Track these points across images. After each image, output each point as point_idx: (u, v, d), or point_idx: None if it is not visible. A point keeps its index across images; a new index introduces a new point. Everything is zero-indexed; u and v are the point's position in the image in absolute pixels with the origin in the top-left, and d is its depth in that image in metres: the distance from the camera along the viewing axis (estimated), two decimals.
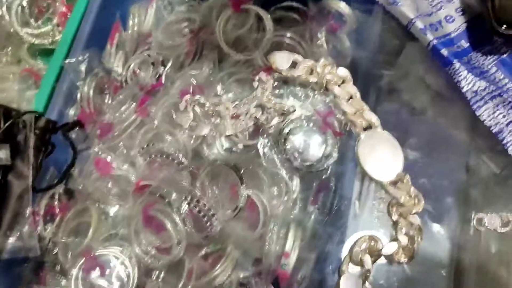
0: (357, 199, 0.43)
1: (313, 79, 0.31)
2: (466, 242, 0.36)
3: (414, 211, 0.26)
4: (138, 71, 0.51)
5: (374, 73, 0.47)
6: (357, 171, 0.44)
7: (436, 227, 0.35)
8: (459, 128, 0.37)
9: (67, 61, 0.48)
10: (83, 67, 0.48)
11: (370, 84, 0.47)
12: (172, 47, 0.51)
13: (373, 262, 0.26)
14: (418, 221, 0.25)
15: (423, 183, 0.34)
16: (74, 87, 0.48)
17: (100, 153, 0.42)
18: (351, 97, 0.30)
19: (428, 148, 0.37)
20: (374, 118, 0.28)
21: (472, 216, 0.35)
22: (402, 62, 0.42)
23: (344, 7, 0.49)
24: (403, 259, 0.26)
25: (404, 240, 0.25)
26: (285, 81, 0.50)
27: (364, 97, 0.46)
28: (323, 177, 0.43)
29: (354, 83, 0.46)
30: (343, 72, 0.31)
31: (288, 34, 0.50)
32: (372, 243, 0.26)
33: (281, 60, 0.31)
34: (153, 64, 0.50)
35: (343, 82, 0.31)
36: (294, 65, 0.33)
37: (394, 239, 0.26)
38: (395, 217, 0.26)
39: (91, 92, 0.47)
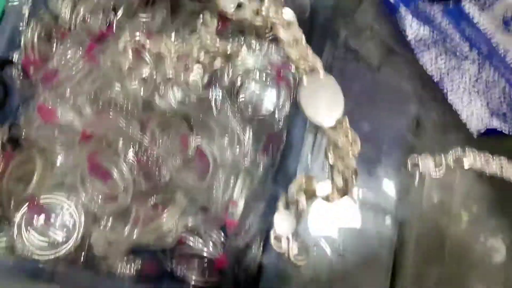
0: (309, 152, 0.44)
1: (258, 21, 0.30)
2: (408, 190, 0.37)
3: (351, 154, 0.26)
4: (87, 17, 0.49)
5: (330, 29, 0.46)
6: (309, 124, 0.44)
7: (377, 172, 0.36)
8: (403, 79, 0.38)
9: (9, 4, 0.46)
10: (26, 11, 0.45)
11: (326, 38, 0.46)
12: None
13: (308, 201, 0.27)
14: (354, 164, 0.26)
15: (364, 126, 0.35)
16: (17, 31, 0.46)
17: (43, 99, 0.41)
18: (295, 40, 0.30)
19: (372, 96, 0.38)
20: (318, 62, 0.28)
21: (409, 158, 0.36)
22: (357, 18, 0.42)
23: None
24: (338, 198, 0.26)
25: (339, 181, 0.25)
26: (240, 31, 0.49)
27: (319, 52, 0.46)
28: (275, 129, 0.44)
29: (310, 39, 0.45)
30: (289, 14, 0.30)
31: None
32: (309, 183, 0.26)
33: (226, 1, 0.30)
34: (103, 10, 0.48)
35: (288, 25, 0.30)
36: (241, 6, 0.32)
37: (330, 180, 0.26)
38: (332, 161, 0.27)
39: (35, 37, 0.45)
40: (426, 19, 0.34)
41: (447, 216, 0.41)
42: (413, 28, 0.34)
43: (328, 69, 0.44)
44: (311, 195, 0.26)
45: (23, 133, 0.41)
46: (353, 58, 0.44)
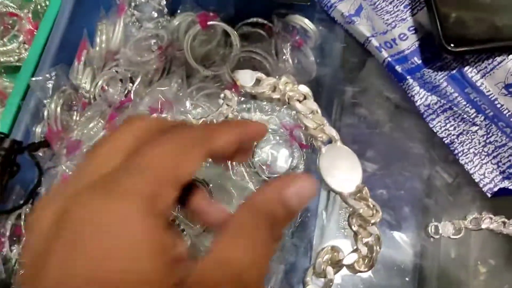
0: (324, 210, 0.45)
1: (275, 95, 0.32)
2: (426, 248, 0.38)
3: (372, 221, 0.27)
4: (106, 87, 0.51)
5: (337, 88, 0.48)
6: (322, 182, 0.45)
7: (396, 236, 0.37)
8: (414, 141, 0.39)
9: (33, 78, 0.48)
10: (50, 84, 0.48)
11: (333, 98, 0.49)
12: (140, 63, 0.51)
13: (335, 272, 0.27)
14: (376, 231, 0.27)
15: (381, 194, 0.36)
16: (41, 104, 0.48)
17: (67, 170, 0.42)
18: (312, 112, 0.31)
19: (386, 160, 0.39)
20: (334, 133, 0.30)
21: (429, 224, 0.37)
22: (362, 77, 0.44)
23: (308, 23, 0.51)
24: (363, 268, 0.27)
25: (363, 249, 0.26)
26: (252, 96, 0.51)
27: (328, 111, 0.48)
28: None
29: (319, 98, 0.47)
30: (304, 89, 0.32)
31: (255, 50, 0.51)
32: (334, 254, 0.27)
33: (245, 77, 0.32)
34: (121, 80, 0.50)
35: (304, 98, 0.32)
36: (258, 82, 0.35)
37: (355, 249, 0.27)
38: (355, 228, 0.28)
39: (58, 109, 0.47)
40: (432, 88, 0.36)
41: (465, 270, 0.42)
42: (420, 95, 0.35)
43: (337, 127, 0.46)
44: (336, 264, 0.27)
45: None
46: (361, 117, 0.46)
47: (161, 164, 0.18)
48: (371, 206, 0.27)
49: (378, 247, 0.26)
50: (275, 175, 0.46)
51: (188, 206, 0.21)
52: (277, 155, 0.47)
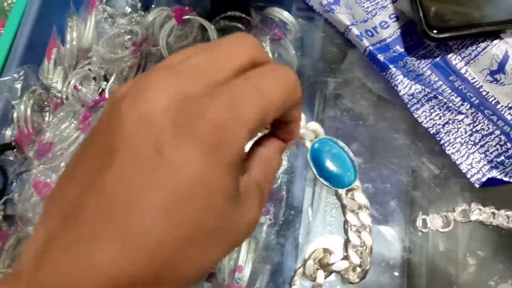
0: (309, 207, 0.43)
1: None
2: (414, 242, 0.37)
3: (362, 218, 0.25)
4: (79, 87, 0.49)
5: (319, 80, 0.47)
6: (307, 178, 0.44)
7: (384, 230, 0.35)
8: (399, 132, 0.38)
9: (1, 79, 0.46)
10: (18, 85, 0.45)
11: (315, 90, 0.47)
12: (114, 61, 0.49)
13: (326, 277, 0.26)
14: (370, 240, 0.25)
15: (367, 188, 0.35)
16: (9, 106, 0.45)
17: (39, 175, 0.40)
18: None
19: (370, 153, 0.38)
20: (318, 127, 0.28)
21: (417, 218, 0.36)
22: (344, 69, 0.43)
23: (287, 16, 0.50)
24: (355, 279, 0.25)
25: (355, 258, 0.25)
26: None
27: (310, 104, 0.47)
28: (274, 186, 0.43)
29: (302, 89, 0.46)
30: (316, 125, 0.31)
31: None
32: (326, 256, 0.26)
33: None
34: (94, 78, 0.48)
35: None
36: None
37: (345, 256, 0.25)
38: (350, 234, 0.26)
39: (29, 110, 0.45)
40: (416, 76, 0.35)
41: (454, 262, 0.41)
42: (404, 84, 0.34)
43: (320, 121, 0.45)
44: (327, 267, 0.25)
45: (19, 210, 0.40)
46: (344, 109, 0.45)
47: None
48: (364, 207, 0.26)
49: (369, 257, 0.25)
50: None
51: None
52: None
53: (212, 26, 0.49)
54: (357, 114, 0.40)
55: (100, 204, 0.16)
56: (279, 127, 0.24)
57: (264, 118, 0.19)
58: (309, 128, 0.28)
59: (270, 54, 0.50)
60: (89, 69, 0.49)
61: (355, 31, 0.36)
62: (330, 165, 0.27)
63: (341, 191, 0.26)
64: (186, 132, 0.17)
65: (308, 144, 0.28)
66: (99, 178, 0.16)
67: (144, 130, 0.16)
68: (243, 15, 0.51)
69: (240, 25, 0.52)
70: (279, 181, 0.44)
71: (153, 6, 0.51)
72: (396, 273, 0.39)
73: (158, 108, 0.17)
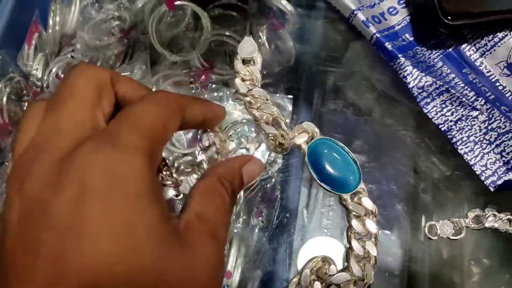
0: (304, 208, 0.41)
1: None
2: (417, 249, 0.34)
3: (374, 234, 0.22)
4: (61, 75, 0.46)
5: (319, 70, 0.44)
6: (303, 177, 0.41)
7: (388, 236, 0.33)
8: (406, 129, 0.35)
9: None
10: None
11: (315, 81, 0.44)
12: (99, 48, 0.46)
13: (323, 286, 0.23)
14: (375, 251, 0.22)
15: (371, 189, 0.32)
16: None
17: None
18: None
19: (375, 151, 0.35)
20: (314, 128, 0.25)
21: (423, 223, 0.33)
22: (347, 60, 0.40)
23: (286, 4, 0.47)
24: None
25: (356, 269, 0.22)
26: (225, 83, 0.47)
27: (308, 95, 0.44)
28: (268, 186, 0.40)
29: (299, 80, 0.43)
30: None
31: (227, 33, 0.47)
32: (325, 266, 0.23)
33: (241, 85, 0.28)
34: None
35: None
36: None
37: (345, 267, 0.22)
38: (353, 243, 0.23)
39: (5, 99, 0.42)
40: (426, 68, 0.32)
41: (458, 270, 0.38)
42: (413, 75, 0.31)
43: (318, 117, 0.42)
44: (324, 278, 0.22)
45: None
46: (346, 103, 0.42)
47: (154, 124, 0.19)
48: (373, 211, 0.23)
49: (373, 269, 0.22)
50: None
51: None
52: (253, 150, 0.42)
53: (206, 14, 0.46)
54: (361, 109, 0.37)
55: None
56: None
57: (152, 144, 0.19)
58: (303, 129, 0.25)
59: (266, 46, 0.47)
60: (72, 56, 0.45)
61: (361, 16, 0.33)
62: (331, 168, 0.24)
63: (346, 196, 0.23)
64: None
65: (305, 147, 0.25)
66: None
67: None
68: (240, 3, 0.48)
69: (235, 14, 0.49)
70: (273, 180, 0.41)
71: None
72: (398, 281, 0.36)
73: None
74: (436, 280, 0.38)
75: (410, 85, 0.31)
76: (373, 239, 0.22)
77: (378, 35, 0.33)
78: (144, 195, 0.17)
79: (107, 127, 0.19)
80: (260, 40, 0.46)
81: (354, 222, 0.22)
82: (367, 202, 0.23)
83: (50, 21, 0.47)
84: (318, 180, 0.24)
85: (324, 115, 0.37)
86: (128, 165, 0.17)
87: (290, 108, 0.45)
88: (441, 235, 0.32)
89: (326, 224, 0.40)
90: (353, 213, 0.22)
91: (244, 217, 0.39)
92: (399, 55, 0.32)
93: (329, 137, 0.25)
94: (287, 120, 0.45)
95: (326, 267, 0.23)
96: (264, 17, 0.47)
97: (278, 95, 0.46)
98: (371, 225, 0.22)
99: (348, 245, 0.23)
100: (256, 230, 0.38)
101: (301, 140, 0.25)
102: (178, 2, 0.46)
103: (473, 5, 0.31)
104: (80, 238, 0.16)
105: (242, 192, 0.40)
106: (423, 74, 0.31)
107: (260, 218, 0.38)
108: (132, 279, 0.16)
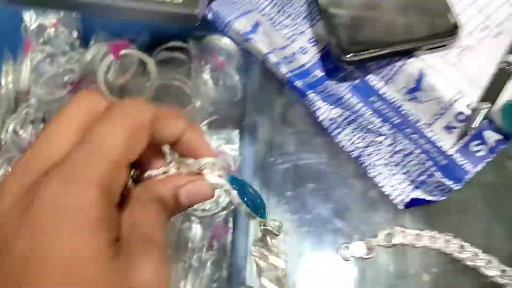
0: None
1: None
2: (363, 268, 0.36)
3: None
4: (20, 131, 0.48)
5: (265, 102, 0.46)
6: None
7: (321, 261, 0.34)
8: (322, 158, 0.37)
9: None
10: None
11: (263, 112, 0.46)
12: (52, 102, 0.48)
13: None
14: (283, 264, 0.24)
15: (292, 218, 0.34)
16: None
17: None
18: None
19: (294, 181, 0.37)
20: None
21: (340, 246, 0.34)
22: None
23: (228, 42, 0.49)
24: None
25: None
26: None
27: (259, 126, 0.45)
28: (218, 220, 0.42)
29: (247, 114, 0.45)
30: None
31: (173, 76, 0.49)
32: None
33: None
34: (32, 122, 0.47)
35: None
36: None
37: None
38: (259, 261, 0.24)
39: None
40: (336, 100, 0.34)
41: (408, 280, 0.40)
42: (322, 110, 0.33)
43: (269, 144, 0.44)
44: None
45: None
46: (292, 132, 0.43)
47: (114, 148, 0.19)
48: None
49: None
50: (202, 207, 0.43)
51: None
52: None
53: (151, 59, 0.49)
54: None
55: None
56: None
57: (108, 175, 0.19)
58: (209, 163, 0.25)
59: (210, 83, 0.49)
60: (26, 113, 0.47)
61: (273, 58, 0.35)
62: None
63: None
64: None
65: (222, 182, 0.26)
66: None
67: None
68: (184, 45, 0.50)
69: (181, 56, 0.51)
70: (225, 211, 0.43)
71: (92, 42, 0.51)
72: None
73: None
74: None
75: (320, 119, 0.33)
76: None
77: (290, 74, 0.35)
78: (92, 225, 0.18)
79: (68, 156, 0.19)
80: (203, 80, 0.49)
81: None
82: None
83: (3, 81, 0.49)
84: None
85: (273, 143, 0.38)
86: (77, 199, 0.18)
87: (237, 141, 0.47)
88: (354, 256, 0.34)
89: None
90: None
91: (199, 253, 0.40)
92: (307, 92, 0.34)
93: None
94: (236, 153, 0.47)
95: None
96: (208, 55, 0.50)
97: (225, 130, 0.48)
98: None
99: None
100: (208, 264, 0.40)
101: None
102: (123, 51, 0.48)
103: (367, 42, 0.33)
104: (33, 268, 0.17)
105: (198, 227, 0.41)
106: (332, 107, 0.33)
107: (211, 252, 0.40)
108: None
